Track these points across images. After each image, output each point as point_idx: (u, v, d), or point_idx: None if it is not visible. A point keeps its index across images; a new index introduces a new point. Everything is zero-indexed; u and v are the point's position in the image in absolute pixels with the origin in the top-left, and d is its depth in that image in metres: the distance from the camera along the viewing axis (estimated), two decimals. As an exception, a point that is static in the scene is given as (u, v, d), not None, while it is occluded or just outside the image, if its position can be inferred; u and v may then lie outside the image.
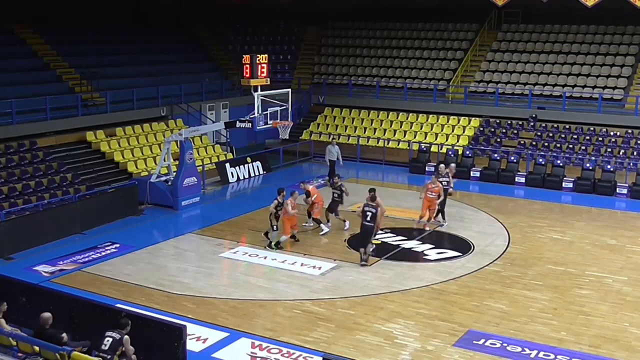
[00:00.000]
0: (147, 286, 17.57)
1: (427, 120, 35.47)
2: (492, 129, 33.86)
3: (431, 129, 34.91)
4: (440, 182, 22.80)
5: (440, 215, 23.02)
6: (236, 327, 15.24)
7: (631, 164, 29.42)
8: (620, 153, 30.67)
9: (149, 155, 29.05)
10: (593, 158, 30.05)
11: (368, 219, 19.03)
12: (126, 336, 12.04)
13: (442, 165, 24.29)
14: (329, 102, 38.39)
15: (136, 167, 28.08)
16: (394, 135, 35.14)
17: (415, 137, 34.43)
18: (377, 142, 34.70)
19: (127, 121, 30.24)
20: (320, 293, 17.25)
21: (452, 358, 13.98)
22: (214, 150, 31.97)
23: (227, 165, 29.74)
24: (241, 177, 29.87)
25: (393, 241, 21.24)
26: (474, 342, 14.60)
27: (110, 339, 11.95)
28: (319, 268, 18.93)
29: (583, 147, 31.37)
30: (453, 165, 24.84)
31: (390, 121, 36.13)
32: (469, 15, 39.40)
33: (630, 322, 15.75)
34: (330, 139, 31.23)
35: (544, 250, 20.76)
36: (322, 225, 22.12)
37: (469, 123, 34.54)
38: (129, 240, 21.15)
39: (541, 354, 14.09)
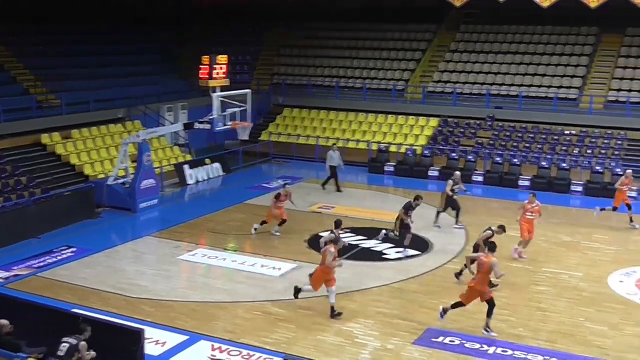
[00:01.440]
0: (105, 290, 17.35)
1: (386, 120, 35.64)
2: (450, 129, 34.15)
3: (390, 129, 35.08)
4: (454, 189, 22.87)
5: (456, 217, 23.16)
6: (195, 329, 15.13)
7: (586, 162, 29.93)
8: (575, 151, 31.16)
9: (106, 158, 28.71)
10: (549, 156, 30.51)
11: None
12: (83, 342, 11.85)
13: (457, 173, 23.84)
14: (288, 102, 38.37)
15: (93, 169, 27.72)
16: (353, 135, 35.24)
17: (374, 137, 34.58)
18: (336, 142, 34.70)
19: (83, 123, 29.88)
20: (281, 294, 17.20)
21: (411, 356, 14.06)
22: (173, 152, 31.73)
23: (186, 166, 29.54)
24: (200, 179, 29.69)
25: (353, 241, 21.26)
26: (433, 339, 14.69)
27: (67, 345, 11.77)
28: (279, 269, 18.89)
29: (539, 146, 31.81)
30: (458, 173, 24.19)
31: (349, 121, 36.23)
32: (427, 16, 39.68)
33: (585, 317, 16.00)
34: (331, 144, 30.62)
35: (501, 247, 20.65)
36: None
37: (428, 123, 34.78)
38: (86, 244, 20.86)
39: (499, 350, 14.24)
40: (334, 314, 15.72)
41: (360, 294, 17.32)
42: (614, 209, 23.53)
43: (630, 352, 14.22)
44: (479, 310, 16.05)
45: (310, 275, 16.35)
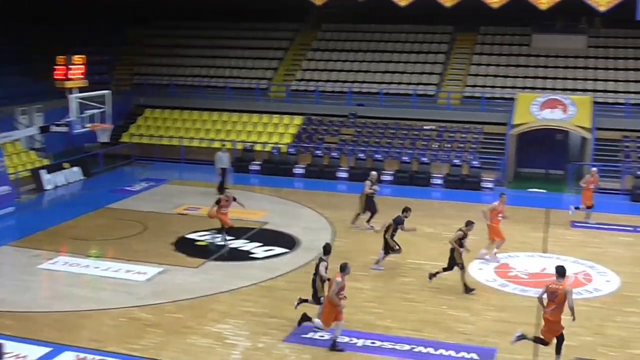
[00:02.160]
0: (-42, 304, 16.40)
1: (250, 120, 35.58)
2: (314, 127, 34.51)
3: (255, 128, 35.05)
4: (372, 189, 22.73)
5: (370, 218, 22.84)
6: (59, 340, 14.52)
7: (445, 156, 31.04)
8: (435, 146, 32.23)
9: (-45, 165, 27.13)
10: (410, 151, 31.42)
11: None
12: None
13: (373, 173, 23.84)
14: (150, 103, 37.60)
15: (-59, 177, 26.12)
16: (218, 135, 34.95)
17: (239, 137, 34.45)
18: (201, 143, 34.35)
19: None
20: (147, 299, 16.82)
21: (282, 354, 14.09)
22: (29, 157, 30.36)
23: (43, 171, 28.34)
24: (59, 184, 28.57)
25: (220, 242, 21.10)
26: (303, 336, 14.78)
27: None
28: (145, 273, 18.45)
29: (400, 141, 32.68)
30: (374, 173, 24.21)
31: (213, 121, 35.91)
32: (288, 15, 39.93)
33: (448, 305, 16.58)
34: (221, 145, 29.93)
35: (367, 242, 21.37)
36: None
37: (292, 121, 35.01)
38: None
39: (368, 342, 14.50)
40: (336, 348, 14.16)
41: (229, 294, 17.20)
42: (589, 207, 23.93)
43: (490, 336, 14.85)
44: (349, 305, 16.25)
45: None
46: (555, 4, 29.51)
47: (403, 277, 18.45)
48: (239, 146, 33.11)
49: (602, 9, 29.09)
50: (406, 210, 19.47)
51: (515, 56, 36.30)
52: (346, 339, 14.57)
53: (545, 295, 13.30)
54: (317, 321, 14.70)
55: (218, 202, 21.06)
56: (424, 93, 34.92)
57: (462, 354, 13.98)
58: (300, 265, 19.24)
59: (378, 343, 14.48)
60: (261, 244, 20.89)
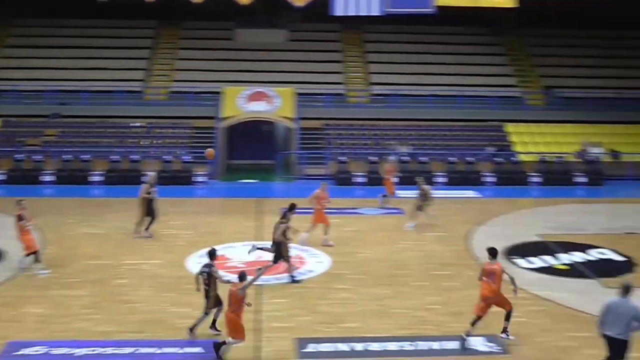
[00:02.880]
0: None
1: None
2: (13, 129, 32.37)
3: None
4: (150, 192, 21.13)
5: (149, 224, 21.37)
6: None
7: (156, 152, 30.72)
8: (145, 143, 31.79)
9: None
10: (120, 150, 30.67)
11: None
12: None
13: (152, 173, 22.14)
14: None
15: None
16: None
17: None
18: None
19: None
20: None
21: (-11, 376, 12.99)
22: None
23: None
24: None
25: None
26: (15, 353, 13.73)
27: None
28: None
29: (109, 140, 31.77)
30: (153, 173, 22.56)
31: None
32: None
33: (169, 302, 16.37)
34: None
35: (80, 246, 20.51)
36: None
37: (-12, 124, 32.56)
38: None
39: (87, 351, 13.84)
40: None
41: None
42: (387, 195, 25.30)
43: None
44: (64, 314, 15.51)
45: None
46: (255, -1, 30.48)
47: (119, 279, 17.89)
48: None
49: (298, 4, 30.57)
50: (292, 207, 18.59)
51: (220, 50, 36.96)
52: (64, 350, 13.79)
53: (483, 277, 14.05)
54: (230, 340, 13.50)
55: (20, 218, 18.38)
56: (129, 89, 34.22)
57: (187, 349, 13.89)
58: (6, 279, 17.86)
59: (99, 350, 13.87)
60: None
